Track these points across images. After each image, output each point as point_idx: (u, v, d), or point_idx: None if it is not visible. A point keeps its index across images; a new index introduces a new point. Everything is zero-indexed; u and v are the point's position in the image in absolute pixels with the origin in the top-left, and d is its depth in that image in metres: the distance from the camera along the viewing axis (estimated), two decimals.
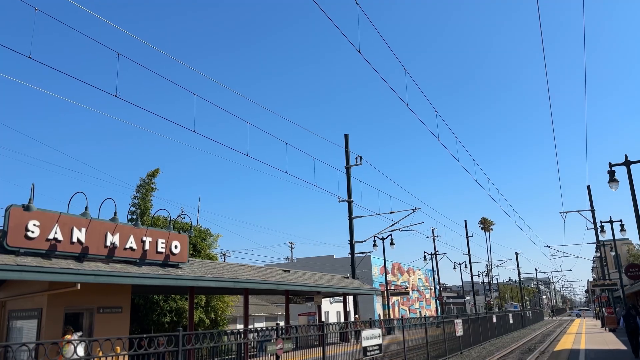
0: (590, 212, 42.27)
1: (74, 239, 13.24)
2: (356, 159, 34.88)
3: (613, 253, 41.76)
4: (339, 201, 34.17)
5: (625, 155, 18.43)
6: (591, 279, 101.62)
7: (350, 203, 34.05)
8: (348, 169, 34.83)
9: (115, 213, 14.38)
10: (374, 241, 36.92)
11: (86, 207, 13.58)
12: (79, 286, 12.79)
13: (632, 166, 18.45)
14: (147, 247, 15.32)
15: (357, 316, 30.22)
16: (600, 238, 39.27)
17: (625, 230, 30.92)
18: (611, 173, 18.60)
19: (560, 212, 42.15)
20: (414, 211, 33.70)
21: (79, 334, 13.70)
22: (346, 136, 35.31)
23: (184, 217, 24.09)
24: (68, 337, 12.58)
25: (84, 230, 13.50)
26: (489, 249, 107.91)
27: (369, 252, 39.23)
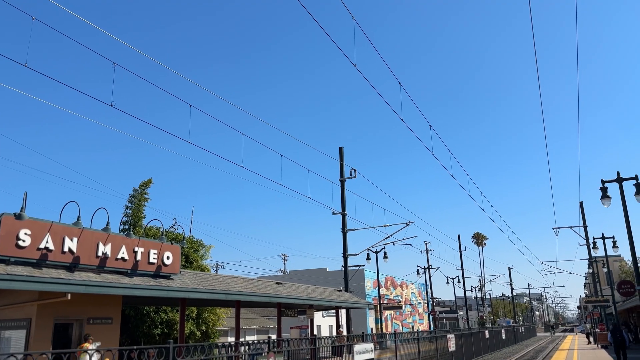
0: (582, 228, 42.47)
1: (65, 249, 13.13)
2: (350, 171, 34.93)
3: (605, 269, 41.91)
4: (333, 214, 34.13)
5: (618, 172, 18.57)
6: (583, 295, 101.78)
7: (344, 216, 34.03)
8: (342, 181, 34.85)
9: (107, 223, 14.29)
10: (368, 254, 36.87)
11: (78, 217, 13.48)
12: (69, 296, 12.66)
13: (624, 183, 18.59)
14: (139, 257, 15.21)
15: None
16: (593, 254, 39.39)
17: (617, 247, 31.05)
18: (604, 190, 18.72)
19: (553, 228, 42.29)
20: (407, 225, 33.71)
21: (98, 344, 13.65)
22: (341, 149, 35.41)
23: (177, 228, 24.02)
24: (87, 345, 12.53)
25: (75, 239, 13.39)
26: (482, 263, 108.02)
27: (362, 266, 39.16)
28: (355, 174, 34.94)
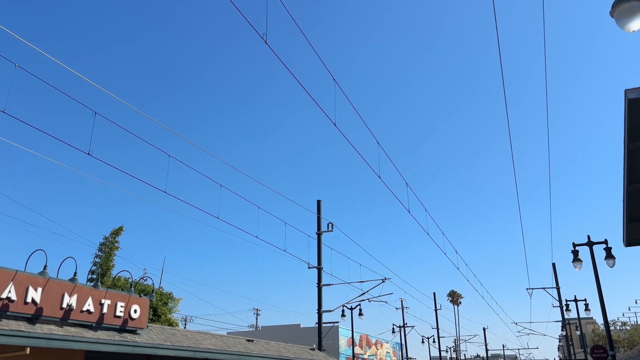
0: (555, 290, 42.77)
1: (29, 299, 12.60)
2: (328, 225, 34.85)
3: (578, 332, 41.92)
4: (309, 268, 33.69)
5: (588, 236, 18.96)
6: (558, 358, 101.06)
7: (319, 270, 33.62)
8: (319, 235, 34.67)
9: (75, 273, 13.85)
10: (343, 311, 36.25)
11: (45, 266, 13.05)
12: (28, 350, 12.02)
13: (594, 247, 18.94)
14: (105, 310, 14.67)
15: None
16: (566, 316, 39.49)
17: (589, 310, 31.25)
18: (575, 253, 19.04)
19: (527, 289, 42.55)
20: (383, 281, 33.45)
21: None
22: (319, 202, 35.46)
23: (146, 279, 23.42)
24: None
25: (40, 290, 12.89)
26: (457, 323, 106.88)
27: (336, 322, 38.35)
28: (332, 227, 34.86)
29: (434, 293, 68.55)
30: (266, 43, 7.85)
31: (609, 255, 18.14)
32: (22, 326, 12.12)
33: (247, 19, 7.91)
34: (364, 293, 34.56)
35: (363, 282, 33.78)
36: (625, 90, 12.93)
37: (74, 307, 13.75)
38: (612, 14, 6.50)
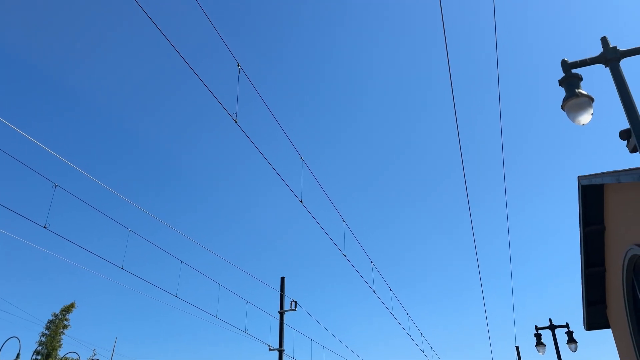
0: None
1: None
2: (291, 303, 33.81)
3: None
4: (270, 350, 32.19)
5: (550, 320, 19.04)
6: None
7: (281, 352, 32.16)
8: (282, 314, 33.51)
9: (17, 355, 12.83)
10: None
11: None
12: None
13: (556, 330, 18.97)
14: None
15: None
16: None
17: None
18: (538, 336, 18.99)
19: None
20: None
21: None
22: (282, 279, 34.61)
23: None
24: None
25: None
26: None
27: None
28: (295, 306, 33.81)
29: None
30: (236, 122, 8.01)
31: (571, 339, 18.17)
32: None
33: (217, 99, 8.09)
34: None
35: None
36: (579, 177, 13.61)
37: None
38: (563, 107, 6.98)
